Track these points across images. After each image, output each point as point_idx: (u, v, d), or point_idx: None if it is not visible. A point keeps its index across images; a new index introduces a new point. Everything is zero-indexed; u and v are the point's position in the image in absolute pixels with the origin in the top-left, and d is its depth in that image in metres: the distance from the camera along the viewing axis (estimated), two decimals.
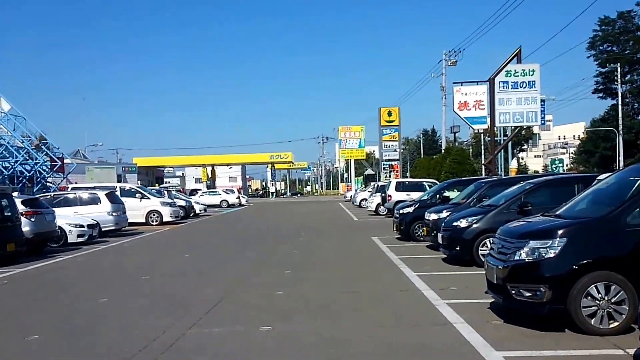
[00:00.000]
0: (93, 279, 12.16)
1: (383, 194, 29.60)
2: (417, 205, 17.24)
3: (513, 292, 6.75)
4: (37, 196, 20.29)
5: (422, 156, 74.85)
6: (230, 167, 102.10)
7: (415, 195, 22.36)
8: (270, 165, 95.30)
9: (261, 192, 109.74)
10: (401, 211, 17.43)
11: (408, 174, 63.21)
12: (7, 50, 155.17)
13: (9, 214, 14.91)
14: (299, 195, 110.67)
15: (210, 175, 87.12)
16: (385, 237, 17.99)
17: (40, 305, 9.29)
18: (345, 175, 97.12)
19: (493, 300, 7.57)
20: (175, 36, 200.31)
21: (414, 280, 10.13)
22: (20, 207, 15.92)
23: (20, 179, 34.38)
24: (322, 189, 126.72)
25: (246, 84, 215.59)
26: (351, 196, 52.54)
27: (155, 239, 21.51)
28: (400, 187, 28.33)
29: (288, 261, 13.50)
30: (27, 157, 35.39)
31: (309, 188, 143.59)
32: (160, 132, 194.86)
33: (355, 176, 78.15)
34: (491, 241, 10.55)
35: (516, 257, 6.79)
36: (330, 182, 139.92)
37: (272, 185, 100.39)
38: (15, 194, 19.00)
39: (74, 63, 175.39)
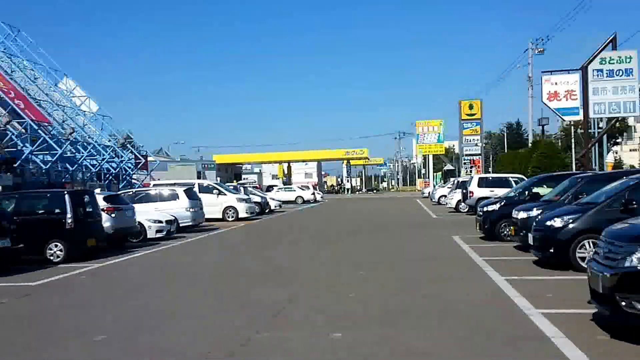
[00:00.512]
0: (166, 275, 12.07)
1: (464, 190, 28.27)
2: (503, 203, 16.12)
3: (623, 303, 5.83)
4: (118, 193, 20.75)
5: (505, 151, 71.90)
6: (306, 164, 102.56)
7: (500, 192, 21.08)
8: (345, 162, 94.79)
9: (337, 188, 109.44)
10: (485, 209, 16.36)
11: (490, 170, 60.83)
12: (96, 53, 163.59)
13: (91, 210, 15.18)
14: (374, 191, 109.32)
15: (286, 172, 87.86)
16: (467, 236, 16.97)
17: (112, 302, 9.18)
18: (423, 171, 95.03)
19: (596, 311, 6.63)
20: (257, 43, 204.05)
21: (502, 285, 9.22)
22: (102, 203, 16.21)
23: (107, 175, 35.71)
24: (398, 185, 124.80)
25: (323, 80, 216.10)
26: (429, 193, 51.06)
27: (229, 235, 21.50)
28: (483, 182, 26.93)
29: (362, 261, 12.88)
30: (114, 155, 36.71)
31: (385, 184, 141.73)
32: (239, 130, 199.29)
33: (434, 172, 76.12)
34: (592, 243, 9.53)
35: (627, 264, 5.87)
36: (407, 178, 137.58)
37: (348, 182, 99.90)
38: (97, 190, 19.53)
39: (158, 65, 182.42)
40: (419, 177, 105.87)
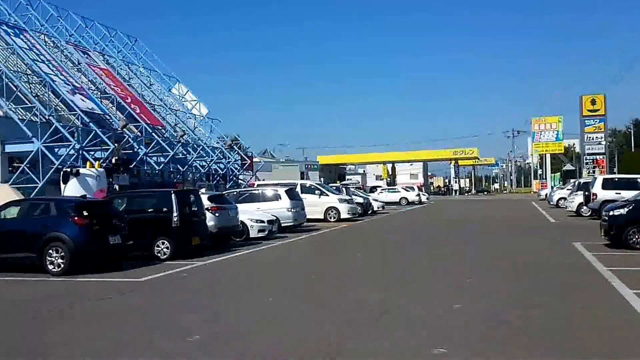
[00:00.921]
0: (265, 275, 11.97)
1: (586, 193, 26.05)
2: (632, 206, 14.53)
3: None
4: (222, 192, 21.19)
5: (632, 149, 66.39)
6: (411, 164, 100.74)
7: (629, 194, 19.13)
8: (453, 162, 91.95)
9: (443, 189, 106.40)
10: (611, 213, 14.82)
11: (615, 170, 56.41)
12: (207, 59, 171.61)
13: (196, 209, 15.50)
14: (485, 193, 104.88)
15: (390, 172, 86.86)
16: (590, 243, 15.47)
17: (210, 302, 9.14)
18: (539, 172, 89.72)
19: None
20: (364, 44, 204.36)
21: (633, 302, 8.11)
22: (206, 203, 16.53)
23: (215, 176, 36.93)
24: (511, 186, 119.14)
25: (429, 76, 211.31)
26: (546, 195, 47.97)
27: (330, 236, 21.27)
28: (608, 184, 24.63)
29: (469, 267, 12.07)
30: (221, 157, 37.94)
31: (496, 185, 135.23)
32: (344, 131, 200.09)
33: (551, 172, 71.55)
34: None
35: None
36: (522, 179, 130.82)
37: (456, 183, 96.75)
38: (202, 190, 20.04)
39: (266, 67, 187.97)
40: (534, 178, 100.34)
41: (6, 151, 23.37)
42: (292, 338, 6.70)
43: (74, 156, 23.82)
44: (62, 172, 22.36)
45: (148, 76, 40.04)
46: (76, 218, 12.08)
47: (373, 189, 55.01)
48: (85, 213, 12.28)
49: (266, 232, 19.23)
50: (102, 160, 24.62)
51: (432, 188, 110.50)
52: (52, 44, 32.56)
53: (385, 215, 34.70)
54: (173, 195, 14.51)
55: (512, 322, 7.13)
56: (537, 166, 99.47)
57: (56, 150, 23.75)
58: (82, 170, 22.38)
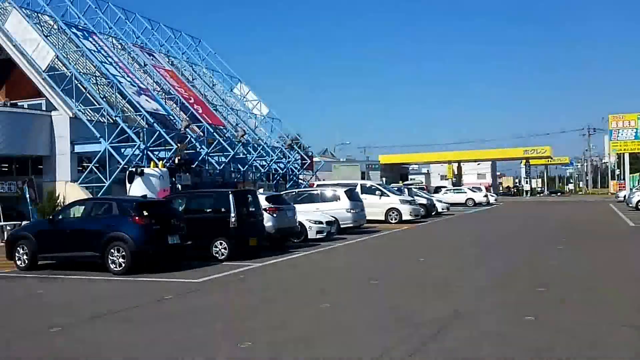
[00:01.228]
0: (322, 279, 11.69)
1: None
2: None
3: None
4: (280, 193, 21.11)
5: None
6: (479, 164, 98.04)
7: None
8: (524, 161, 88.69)
9: (513, 190, 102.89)
10: None
11: None
12: (267, 58, 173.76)
13: (253, 209, 15.43)
14: (558, 194, 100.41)
15: (456, 172, 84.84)
16: None
17: (265, 305, 8.94)
18: (617, 172, 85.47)
19: None
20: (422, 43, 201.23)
21: None
22: (264, 203, 16.45)
23: (275, 176, 37.06)
24: (587, 187, 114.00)
25: (494, 74, 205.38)
26: (625, 196, 45.41)
27: (391, 238, 20.79)
28: None
29: (542, 275, 11.36)
30: (281, 156, 38.04)
31: (571, 186, 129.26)
32: (406, 130, 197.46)
33: (630, 173, 67.73)
34: None
35: None
36: (598, 179, 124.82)
37: (527, 183, 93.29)
38: (260, 190, 20.03)
39: (329, 67, 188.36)
40: (612, 179, 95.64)
41: (76, 151, 24.17)
42: (348, 349, 6.37)
43: (139, 156, 24.37)
44: (127, 172, 22.96)
45: (211, 77, 40.67)
46: (136, 218, 12.20)
47: (437, 190, 53.77)
48: (145, 213, 12.39)
49: (325, 234, 18.99)
50: (165, 160, 25.08)
51: (500, 188, 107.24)
52: (119, 46, 33.54)
53: (451, 217, 33.76)
54: (231, 196, 14.47)
55: (597, 340, 6.51)
56: (614, 166, 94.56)
57: (122, 150, 24.37)
58: (146, 170, 22.87)
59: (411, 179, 78.63)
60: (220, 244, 14.26)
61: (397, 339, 6.74)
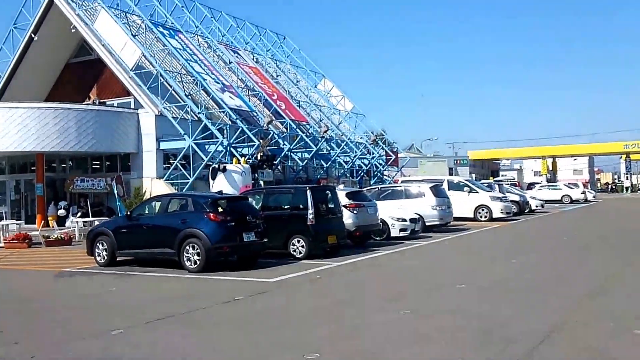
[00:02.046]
0: (402, 281, 10.83)
1: None
2: None
3: None
4: (360, 189, 20.35)
5: None
6: (575, 159, 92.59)
7: None
8: (624, 156, 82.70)
9: (612, 186, 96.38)
10: None
11: None
12: (352, 52, 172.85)
13: (332, 206, 14.82)
14: None
15: (550, 168, 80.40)
16: None
17: (339, 310, 8.23)
18: None
19: None
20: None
21: None
22: (344, 200, 15.79)
23: (359, 172, 36.35)
24: None
25: (590, 65, 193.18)
26: None
27: (480, 237, 19.49)
28: None
29: None
30: (365, 152, 37.27)
31: None
32: (497, 124, 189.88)
33: None
34: None
35: None
36: None
37: (627, 179, 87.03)
38: (340, 186, 19.36)
39: (410, 62, 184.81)
40: None
41: (161, 148, 24.61)
42: None
43: (222, 152, 24.45)
44: (210, 168, 23.09)
45: (295, 73, 40.56)
46: (211, 214, 11.89)
47: (531, 186, 51.02)
48: (220, 209, 12.07)
49: (408, 232, 18.07)
50: (247, 157, 25.03)
51: (598, 185, 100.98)
52: (205, 44, 34.04)
53: (545, 214, 31.64)
54: (308, 192, 13.91)
55: None
56: None
57: (206, 146, 24.54)
58: (228, 167, 22.90)
59: (502, 175, 75.41)
60: (298, 241, 13.75)
61: (483, 351, 5.84)
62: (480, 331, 6.80)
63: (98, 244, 12.95)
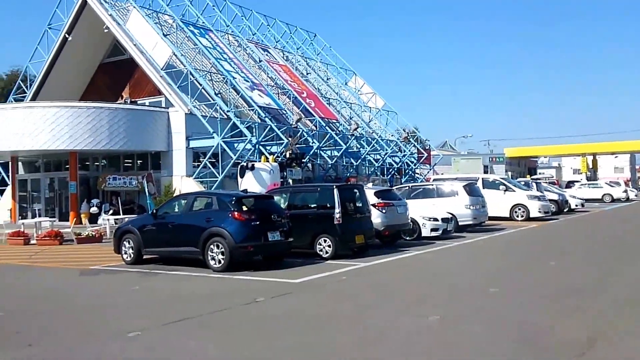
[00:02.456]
0: (433, 283, 10.39)
1: None
2: None
3: None
4: (390, 188, 19.90)
5: None
6: (616, 156, 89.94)
7: None
8: None
9: None
10: None
11: None
12: (383, 50, 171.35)
13: (360, 205, 14.45)
14: None
15: (590, 166, 78.24)
16: None
17: (365, 314, 7.86)
18: None
19: None
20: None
21: None
22: (372, 199, 15.40)
23: (390, 170, 35.83)
24: None
25: (629, 62, 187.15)
26: None
27: (517, 237, 18.83)
28: None
29: None
30: (397, 150, 36.71)
31: None
32: (535, 121, 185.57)
33: None
34: None
35: None
36: None
37: None
38: (369, 184, 18.96)
39: (443, 58, 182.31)
40: None
41: (190, 146, 24.61)
42: None
43: (251, 151, 24.31)
44: (239, 167, 22.96)
45: (325, 70, 40.25)
46: (235, 213, 11.66)
47: (570, 184, 49.60)
48: (244, 208, 11.83)
49: (440, 232, 17.56)
50: (276, 155, 24.84)
51: None
52: (235, 43, 34.00)
53: (585, 214, 30.57)
54: (335, 190, 13.57)
55: None
56: None
57: (235, 145, 24.43)
58: (256, 165, 22.73)
59: (540, 173, 73.68)
60: (324, 241, 13.42)
61: None
62: (515, 341, 6.36)
63: (125, 242, 12.88)
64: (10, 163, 26.82)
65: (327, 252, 13.36)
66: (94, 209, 23.04)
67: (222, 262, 11.42)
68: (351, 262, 12.66)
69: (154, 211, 12.79)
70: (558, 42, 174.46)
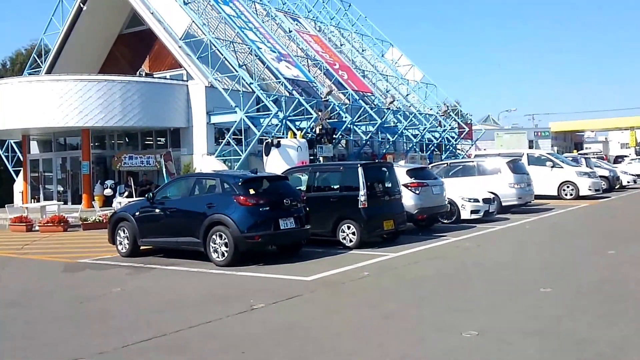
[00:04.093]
0: (471, 279, 8.65)
1: None
2: None
3: None
4: (424, 166, 17.96)
5: None
6: None
7: None
8: None
9: None
10: None
11: None
12: (425, 20, 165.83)
13: (389, 185, 12.72)
14: None
15: (639, 140, 73.96)
16: None
17: (380, 326, 6.23)
18: None
19: None
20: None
21: None
22: (404, 179, 13.63)
23: (430, 146, 33.74)
24: None
25: None
26: None
27: (567, 219, 16.78)
28: None
29: None
30: (436, 125, 34.54)
31: None
32: (581, 94, 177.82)
33: None
34: None
35: None
36: None
37: None
38: (401, 162, 17.12)
39: (486, 30, 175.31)
40: None
41: (212, 122, 23.06)
42: None
43: (278, 126, 22.65)
44: (264, 143, 21.37)
45: (361, 42, 38.11)
46: (241, 197, 10.05)
47: (618, 159, 46.40)
48: (251, 191, 10.20)
49: (481, 213, 15.70)
50: (306, 130, 23.15)
51: None
52: (264, 12, 32.22)
53: (638, 191, 28.05)
54: (360, 170, 11.82)
55: None
56: None
57: (261, 120, 22.80)
58: (282, 141, 21.09)
59: (587, 148, 69.99)
60: (348, 227, 11.77)
61: None
62: (559, 345, 4.72)
63: (119, 231, 11.41)
64: (21, 141, 25.74)
65: (350, 241, 11.71)
66: (107, 191, 21.78)
67: (226, 255, 9.89)
68: (378, 252, 11.02)
69: (151, 195, 11.24)
70: (606, 10, 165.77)
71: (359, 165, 12.07)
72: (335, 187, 12.45)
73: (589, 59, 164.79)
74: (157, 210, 10.99)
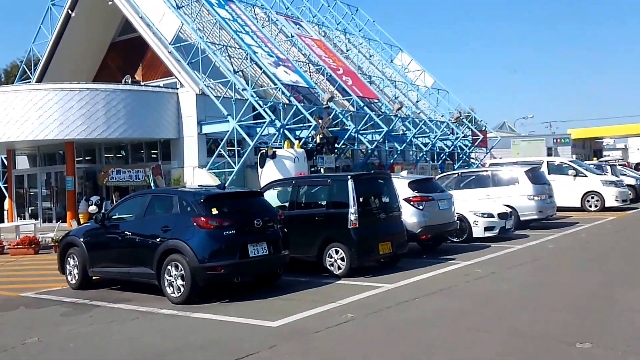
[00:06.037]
0: (484, 324, 6.72)
1: None
2: None
3: None
4: (428, 177, 16.08)
5: None
6: None
7: None
8: None
9: None
10: None
11: None
12: (438, 25, 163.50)
13: (387, 201, 10.92)
14: None
15: None
16: None
17: None
18: None
19: None
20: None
21: None
22: (405, 192, 11.81)
23: (441, 155, 31.79)
24: None
25: None
26: None
27: (596, 236, 14.77)
28: None
29: None
30: (449, 132, 32.61)
31: None
32: (600, 101, 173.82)
33: None
34: None
35: None
36: None
37: None
38: (403, 173, 15.25)
39: (501, 35, 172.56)
40: None
41: (203, 132, 21.40)
42: None
43: (276, 136, 20.93)
44: (259, 154, 19.72)
45: (368, 47, 36.40)
46: (201, 218, 8.29)
47: (639, 166, 44.10)
48: (214, 211, 8.42)
49: (496, 231, 13.84)
50: (305, 139, 21.41)
51: None
52: (265, 17, 30.67)
53: None
54: (350, 182, 10.01)
55: None
56: None
57: (257, 129, 21.09)
58: (278, 152, 19.41)
59: (607, 155, 67.42)
60: (336, 252, 9.97)
61: None
62: None
63: (69, 259, 9.69)
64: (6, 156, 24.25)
65: (339, 268, 9.92)
66: (92, 208, 20.13)
67: (182, 290, 8.13)
68: (370, 283, 9.21)
69: (102, 215, 9.52)
70: (622, 18, 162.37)
71: (349, 177, 10.24)
72: (322, 203, 10.64)
73: (605, 66, 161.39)
74: (108, 234, 9.26)
